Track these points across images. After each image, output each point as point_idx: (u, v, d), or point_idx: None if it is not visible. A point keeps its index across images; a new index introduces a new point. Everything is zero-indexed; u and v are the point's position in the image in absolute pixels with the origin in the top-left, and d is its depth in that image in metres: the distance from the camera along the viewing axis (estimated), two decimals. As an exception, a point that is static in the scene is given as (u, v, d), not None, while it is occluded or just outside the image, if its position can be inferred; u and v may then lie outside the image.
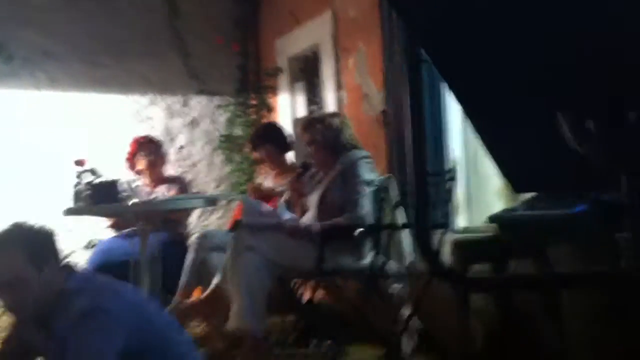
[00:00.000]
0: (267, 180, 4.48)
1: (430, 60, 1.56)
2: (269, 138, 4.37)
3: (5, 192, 4.74)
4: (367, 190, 3.50)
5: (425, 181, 1.85)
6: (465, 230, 3.66)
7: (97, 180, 3.80)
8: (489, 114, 1.59)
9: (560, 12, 1.30)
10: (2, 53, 4.90)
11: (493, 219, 2.80)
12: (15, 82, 4.96)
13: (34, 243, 2.17)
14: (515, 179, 1.78)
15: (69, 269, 2.28)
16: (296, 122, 5.15)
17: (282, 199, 3.92)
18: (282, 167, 4.37)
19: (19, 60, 4.97)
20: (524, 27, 1.38)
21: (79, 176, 3.92)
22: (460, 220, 3.76)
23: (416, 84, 1.74)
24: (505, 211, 3.02)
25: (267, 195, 4.15)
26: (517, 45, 1.42)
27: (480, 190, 3.76)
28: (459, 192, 3.68)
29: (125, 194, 4.06)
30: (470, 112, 1.67)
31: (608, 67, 1.34)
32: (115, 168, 4.35)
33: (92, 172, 3.90)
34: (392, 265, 3.40)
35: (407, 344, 3.39)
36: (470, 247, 3.01)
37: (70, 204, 3.91)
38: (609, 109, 1.42)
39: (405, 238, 3.47)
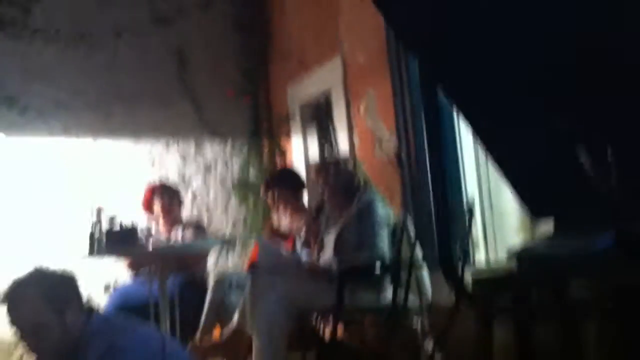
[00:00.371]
0: (282, 222, 4.51)
1: (442, 90, 1.60)
2: (283, 182, 4.43)
3: (22, 240, 4.76)
4: (384, 230, 3.52)
5: (447, 215, 1.88)
6: (485, 267, 3.67)
7: (116, 227, 3.83)
8: (503, 139, 1.63)
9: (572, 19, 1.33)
10: (16, 105, 4.99)
11: (512, 256, 2.81)
12: (31, 131, 5.05)
13: (55, 288, 2.19)
14: (532, 203, 1.80)
15: (90, 310, 2.29)
16: (309, 166, 5.21)
17: (299, 240, 3.94)
18: (296, 210, 4.41)
19: (32, 111, 5.06)
20: (532, 44, 1.42)
21: (97, 222, 3.95)
22: (479, 256, 3.77)
23: (432, 118, 1.78)
24: (524, 247, 3.03)
25: (283, 237, 4.18)
26: (531, 61, 1.45)
27: (497, 226, 3.78)
28: (477, 228, 3.71)
29: (142, 241, 4.10)
30: (485, 138, 1.71)
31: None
32: (131, 214, 4.38)
33: (110, 220, 3.93)
34: (413, 302, 3.40)
35: (430, 381, 3.37)
36: (491, 284, 3.02)
37: (88, 249, 3.93)
38: (629, 137, 1.45)
39: (425, 274, 3.48)
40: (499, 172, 1.71)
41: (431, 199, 1.59)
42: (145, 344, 2.23)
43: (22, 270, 4.29)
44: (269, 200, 4.58)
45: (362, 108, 4.57)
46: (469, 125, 1.75)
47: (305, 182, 4.59)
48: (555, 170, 1.63)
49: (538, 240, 2.83)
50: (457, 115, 3.79)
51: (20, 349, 4.56)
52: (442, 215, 1.66)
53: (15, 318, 2.18)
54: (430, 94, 1.67)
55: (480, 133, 1.73)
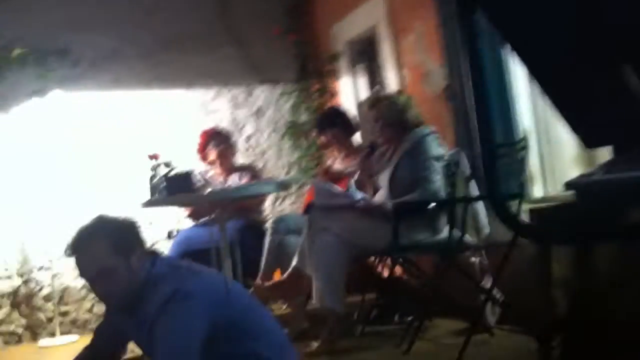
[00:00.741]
0: (335, 163, 4.53)
1: (488, 19, 1.56)
2: (334, 122, 4.43)
3: (82, 192, 4.91)
4: (437, 166, 3.51)
5: (492, 149, 1.84)
6: (542, 199, 3.64)
7: (172, 172, 3.90)
8: (553, 69, 1.59)
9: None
10: (69, 57, 5.06)
11: (569, 185, 2.77)
12: (83, 84, 5.11)
13: (119, 233, 2.24)
14: (585, 133, 1.76)
15: (154, 255, 2.36)
16: (360, 104, 5.18)
17: (353, 180, 3.96)
18: (349, 150, 4.42)
19: (85, 62, 5.13)
20: None
21: (154, 169, 4.03)
22: (536, 190, 3.73)
23: (474, 52, 1.73)
24: (581, 177, 2.98)
25: (338, 178, 4.21)
26: None
27: (554, 158, 3.72)
28: (533, 161, 3.66)
29: (199, 184, 4.18)
30: (534, 68, 1.67)
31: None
32: (187, 161, 4.46)
33: (167, 164, 4.01)
34: (469, 238, 3.41)
35: (490, 316, 3.40)
36: (548, 215, 3.00)
37: (147, 197, 4.04)
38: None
39: (481, 211, 3.47)
40: (547, 100, 1.68)
41: (473, 132, 1.56)
42: (209, 288, 2.28)
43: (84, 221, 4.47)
44: (322, 141, 4.60)
45: (409, 42, 4.49)
46: (513, 51, 1.71)
47: (357, 120, 4.57)
48: (607, 95, 1.59)
49: (596, 169, 2.79)
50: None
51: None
52: (487, 149, 1.64)
53: (83, 266, 2.23)
54: (467, 19, 1.62)
55: (526, 60, 1.69)
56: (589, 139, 1.81)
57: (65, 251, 2.27)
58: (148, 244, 2.34)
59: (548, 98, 1.67)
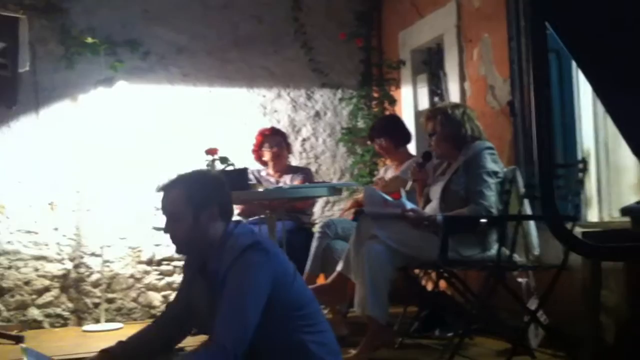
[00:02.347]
0: (388, 172, 4.51)
1: (557, 33, 1.52)
2: (387, 131, 4.42)
3: (140, 183, 5.02)
4: (492, 182, 3.45)
5: (551, 168, 1.79)
6: (596, 224, 3.54)
7: (228, 168, 3.95)
8: (617, 84, 1.55)
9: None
10: (139, 49, 5.19)
11: (625, 211, 2.69)
12: (151, 77, 5.24)
13: (198, 187, 2.43)
14: None
15: (234, 220, 2.50)
16: (419, 114, 5.14)
17: (405, 190, 3.93)
18: (400, 159, 4.39)
19: (154, 56, 5.25)
20: None
21: (210, 164, 4.10)
22: (592, 214, 3.63)
23: (541, 70, 1.69)
24: (638, 203, 2.89)
25: (390, 187, 4.18)
26: None
27: (613, 183, 3.62)
28: (591, 184, 3.56)
29: (252, 182, 4.22)
30: (598, 84, 1.63)
31: None
32: (243, 159, 4.51)
33: (223, 160, 4.07)
34: (519, 258, 3.34)
35: (533, 338, 3.32)
36: (601, 240, 2.91)
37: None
38: None
39: (533, 230, 3.39)
40: (612, 118, 1.63)
41: (533, 149, 1.52)
42: (280, 256, 2.43)
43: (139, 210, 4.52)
44: (376, 148, 4.59)
45: (475, 54, 4.44)
46: (581, 68, 1.67)
47: (411, 131, 4.54)
48: None
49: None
50: (575, 64, 3.64)
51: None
52: (546, 168, 1.60)
53: (162, 205, 2.48)
54: (538, 34, 1.58)
55: (591, 75, 1.65)
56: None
57: (157, 188, 2.60)
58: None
59: (611, 116, 1.63)
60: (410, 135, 4.49)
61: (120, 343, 2.54)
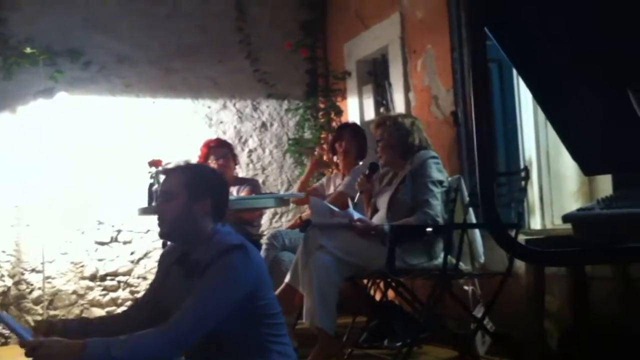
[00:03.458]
0: (336, 180, 4.51)
1: (495, 40, 1.55)
2: (358, 137, 4.42)
3: (81, 195, 4.91)
4: (437, 191, 3.48)
5: (491, 176, 1.81)
6: (539, 231, 3.61)
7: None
8: (556, 92, 1.58)
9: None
10: (80, 59, 5.08)
11: (567, 218, 2.74)
12: (93, 88, 5.13)
13: (199, 179, 2.46)
14: (584, 160, 1.74)
15: (223, 221, 2.50)
16: (365, 125, 5.17)
17: (352, 200, 3.94)
18: (350, 169, 4.40)
19: (95, 66, 5.14)
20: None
21: (153, 177, 4.03)
22: (535, 222, 3.70)
23: (481, 77, 1.70)
24: (580, 210, 2.96)
25: (336, 204, 4.18)
26: (586, 15, 1.40)
27: (554, 191, 3.70)
28: (533, 192, 3.63)
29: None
30: (538, 91, 1.66)
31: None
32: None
33: (167, 172, 4.00)
34: (465, 266, 3.38)
35: (480, 346, 3.36)
36: (543, 247, 2.96)
37: (145, 204, 4.02)
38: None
39: (478, 238, 3.44)
40: (552, 125, 1.66)
41: (475, 158, 1.54)
42: (261, 264, 2.44)
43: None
44: (337, 150, 4.51)
45: (419, 65, 4.49)
46: (521, 76, 1.70)
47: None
48: (612, 124, 1.57)
49: (594, 204, 2.76)
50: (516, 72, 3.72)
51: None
52: (486, 176, 1.60)
53: (161, 185, 2.56)
54: (477, 40, 1.59)
55: (533, 85, 1.68)
56: (587, 165, 1.78)
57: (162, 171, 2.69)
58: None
59: (550, 122, 1.66)
60: (366, 147, 4.51)
61: (82, 320, 2.51)
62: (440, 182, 3.50)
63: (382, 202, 3.65)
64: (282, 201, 4.31)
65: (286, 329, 2.52)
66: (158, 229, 2.48)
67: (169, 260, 2.55)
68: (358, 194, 3.85)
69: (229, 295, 2.27)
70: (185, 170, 2.49)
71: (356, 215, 3.61)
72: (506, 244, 1.78)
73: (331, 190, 4.52)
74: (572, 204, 3.47)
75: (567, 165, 3.59)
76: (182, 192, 2.40)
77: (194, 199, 2.40)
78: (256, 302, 2.34)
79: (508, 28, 1.51)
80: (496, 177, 3.53)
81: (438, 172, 3.52)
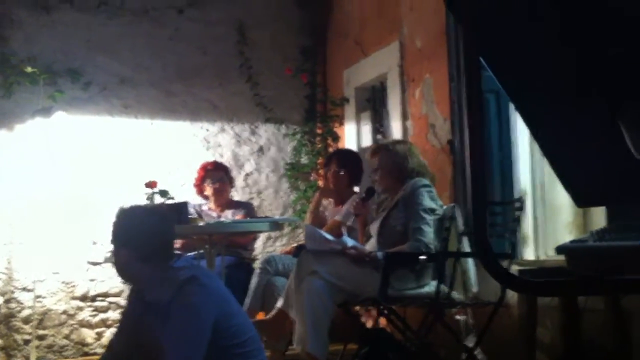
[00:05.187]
0: (327, 210, 4.50)
1: (490, 70, 1.55)
2: (350, 163, 4.40)
3: (75, 215, 4.90)
4: (429, 218, 3.47)
5: (484, 205, 1.81)
6: (533, 262, 3.60)
7: (168, 202, 3.90)
8: (550, 123, 1.58)
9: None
10: (80, 79, 5.09)
11: (561, 249, 2.74)
12: (92, 108, 5.14)
13: (117, 230, 2.51)
14: (577, 191, 1.74)
15: (177, 254, 2.58)
16: (362, 151, 5.18)
17: (345, 226, 3.93)
18: (343, 198, 4.38)
19: (96, 86, 5.15)
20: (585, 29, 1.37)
21: (149, 198, 4.03)
22: (528, 253, 3.69)
23: (476, 108, 1.71)
24: (574, 242, 2.95)
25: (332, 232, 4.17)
26: (579, 47, 1.40)
27: (548, 222, 3.70)
28: (527, 223, 3.63)
29: (192, 216, 4.16)
30: (531, 122, 1.66)
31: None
32: (184, 193, 4.45)
33: (162, 193, 4.01)
34: (457, 295, 3.36)
35: (471, 376, 3.33)
36: (537, 276, 2.96)
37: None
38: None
39: (471, 268, 3.43)
40: (545, 156, 1.66)
41: (469, 187, 1.53)
42: (219, 290, 2.47)
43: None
44: (328, 178, 4.50)
45: (417, 93, 4.51)
46: (515, 106, 1.70)
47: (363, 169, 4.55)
48: (606, 155, 1.56)
49: (588, 235, 2.75)
50: (511, 103, 3.74)
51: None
52: (479, 204, 1.60)
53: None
54: (472, 70, 1.60)
55: (527, 116, 1.69)
56: (580, 197, 1.78)
57: None
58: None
59: (543, 152, 1.66)
60: (362, 174, 4.49)
61: None
62: (433, 210, 3.50)
63: (374, 228, 3.65)
64: (276, 225, 4.30)
65: (262, 354, 2.53)
66: (108, 283, 2.58)
67: (132, 300, 2.61)
68: (353, 218, 3.84)
69: (197, 331, 2.30)
70: (114, 223, 2.54)
71: (350, 243, 3.61)
72: (496, 273, 1.77)
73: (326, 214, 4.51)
74: (566, 236, 3.47)
75: (562, 197, 3.59)
76: (114, 248, 2.50)
77: (118, 251, 2.49)
78: (222, 333, 2.34)
79: (502, 58, 1.52)
80: (488, 206, 3.53)
81: (430, 200, 3.52)
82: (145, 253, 2.44)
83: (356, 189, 4.59)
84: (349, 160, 4.44)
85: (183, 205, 3.92)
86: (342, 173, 4.36)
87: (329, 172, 4.42)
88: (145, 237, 2.48)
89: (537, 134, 1.68)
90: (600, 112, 1.46)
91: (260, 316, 3.89)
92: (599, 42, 1.36)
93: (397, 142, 3.87)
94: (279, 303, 3.58)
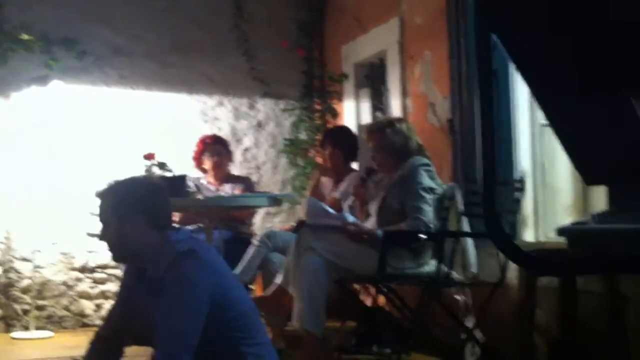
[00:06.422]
0: (325, 188, 4.50)
1: (503, 46, 1.54)
2: (342, 142, 4.40)
3: (73, 185, 4.87)
4: (429, 197, 3.47)
5: (494, 186, 1.81)
6: (533, 244, 3.62)
7: (166, 174, 3.88)
8: (560, 101, 1.58)
9: None
10: (75, 48, 5.03)
11: (562, 231, 2.75)
12: (87, 78, 5.09)
13: (121, 197, 2.42)
14: (586, 170, 1.74)
15: (174, 227, 2.50)
16: (361, 128, 5.17)
17: (346, 204, 3.94)
18: (341, 175, 4.38)
19: (91, 56, 5.10)
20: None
21: (148, 170, 4.01)
22: (527, 234, 3.71)
23: (487, 85, 1.70)
24: (575, 224, 2.97)
25: (331, 201, 4.17)
26: (590, 21, 1.40)
27: (549, 203, 3.71)
28: (527, 204, 3.64)
29: (191, 190, 4.15)
30: (542, 98, 1.66)
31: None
32: (182, 166, 4.43)
33: (161, 166, 3.99)
34: (456, 275, 3.38)
35: (469, 356, 3.37)
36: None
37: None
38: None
39: (470, 248, 3.44)
40: (555, 133, 1.66)
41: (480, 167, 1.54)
42: (216, 264, 2.42)
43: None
44: (324, 157, 4.53)
45: (417, 71, 4.49)
46: (529, 85, 1.69)
47: (358, 145, 4.55)
48: (617, 132, 1.57)
49: (589, 218, 2.77)
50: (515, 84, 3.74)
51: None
52: (489, 185, 1.61)
53: (98, 211, 2.48)
54: (483, 48, 1.59)
55: (540, 96, 1.68)
56: (589, 175, 1.79)
57: (95, 194, 2.73)
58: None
59: (554, 129, 1.66)
60: (358, 150, 4.49)
61: None
62: (432, 189, 3.50)
63: (373, 207, 3.65)
64: (275, 201, 4.30)
65: (262, 327, 2.51)
66: (113, 257, 2.50)
67: (130, 276, 2.55)
68: (351, 198, 3.85)
69: (193, 304, 2.27)
70: (109, 193, 2.46)
71: (350, 219, 3.61)
72: (511, 253, 1.78)
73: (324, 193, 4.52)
74: (566, 218, 3.49)
75: (562, 178, 3.61)
76: (110, 218, 2.40)
77: (123, 220, 2.38)
78: (218, 307, 2.31)
79: (515, 34, 1.51)
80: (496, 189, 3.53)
81: (429, 179, 3.51)
82: (156, 218, 2.41)
83: (354, 165, 4.59)
84: (343, 139, 4.44)
85: (181, 178, 3.91)
86: (336, 152, 4.36)
87: (325, 153, 4.43)
88: (155, 201, 2.45)
89: (549, 113, 1.67)
90: (615, 88, 1.46)
91: (259, 289, 3.91)
92: (618, 21, 1.36)
93: (397, 120, 3.85)
94: (278, 279, 3.59)
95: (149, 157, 4.06)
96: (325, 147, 4.44)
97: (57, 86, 4.77)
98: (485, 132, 1.61)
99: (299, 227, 3.61)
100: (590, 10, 1.40)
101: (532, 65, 1.58)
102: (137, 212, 2.38)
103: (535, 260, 1.88)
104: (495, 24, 1.48)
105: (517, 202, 3.26)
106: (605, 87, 1.50)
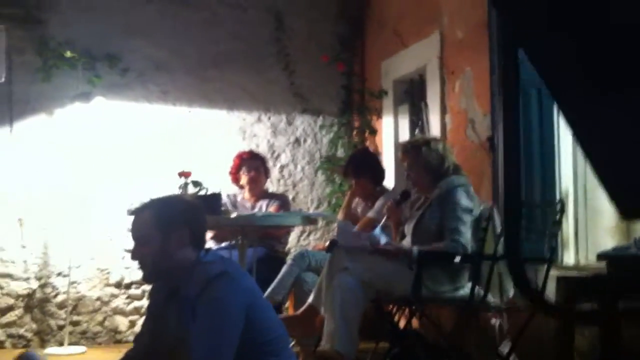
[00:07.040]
0: (359, 207, 4.45)
1: (531, 63, 1.47)
2: (365, 171, 4.36)
3: (111, 202, 4.91)
4: (467, 218, 3.39)
5: (516, 209, 1.73)
6: (572, 267, 3.49)
7: (201, 192, 3.88)
8: (595, 124, 1.50)
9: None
10: (118, 65, 5.08)
11: (603, 256, 2.65)
12: (129, 94, 5.14)
13: (167, 211, 2.40)
14: (622, 202, 1.65)
15: (205, 248, 2.45)
16: (399, 145, 5.09)
17: (379, 225, 3.87)
18: (375, 196, 4.32)
19: (133, 72, 5.14)
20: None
21: (182, 187, 4.02)
22: (568, 256, 3.59)
23: (511, 102, 1.63)
24: (616, 249, 2.86)
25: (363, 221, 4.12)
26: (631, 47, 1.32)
27: (590, 226, 3.58)
28: (568, 226, 3.52)
29: (225, 207, 4.14)
30: (574, 121, 1.58)
31: None
32: (219, 182, 4.42)
33: (195, 184, 3.99)
34: (492, 299, 3.28)
35: (504, 381, 3.26)
36: (577, 284, 2.86)
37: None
38: None
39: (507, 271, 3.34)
40: (589, 164, 1.57)
41: (501, 187, 1.47)
42: (250, 285, 2.39)
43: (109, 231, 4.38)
44: (353, 185, 4.50)
45: (457, 86, 4.41)
46: (557, 103, 1.62)
47: (391, 162, 4.49)
48: None
49: (631, 243, 2.65)
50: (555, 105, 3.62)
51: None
52: (511, 207, 1.54)
53: (131, 229, 2.43)
54: (510, 62, 1.53)
55: (568, 114, 1.60)
56: (627, 209, 1.70)
57: (128, 212, 2.66)
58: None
59: (587, 156, 1.58)
60: (382, 172, 4.44)
61: None
62: (470, 210, 3.42)
63: (408, 228, 3.58)
64: (309, 220, 4.26)
65: (288, 345, 2.48)
66: (142, 273, 2.43)
67: (160, 296, 2.50)
68: (384, 219, 3.78)
69: (227, 326, 2.24)
70: (152, 207, 2.42)
71: (383, 240, 3.54)
72: (515, 277, 1.70)
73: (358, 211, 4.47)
74: (608, 240, 3.36)
75: (604, 200, 3.47)
76: (154, 232, 2.34)
77: (167, 234, 2.33)
78: (251, 329, 2.28)
79: (544, 50, 1.44)
80: (526, 208, 3.43)
81: (467, 200, 3.44)
82: (198, 234, 2.40)
83: (386, 184, 4.53)
84: (364, 169, 4.39)
85: (215, 196, 3.90)
86: (362, 181, 4.35)
87: (352, 182, 4.40)
88: (198, 217, 2.44)
89: (579, 135, 1.59)
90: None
91: (290, 311, 3.87)
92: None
93: (433, 139, 3.78)
94: (310, 299, 3.55)
95: (184, 174, 4.07)
96: (348, 178, 4.42)
97: (99, 103, 4.82)
98: (507, 151, 1.54)
99: (331, 246, 3.57)
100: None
101: (563, 84, 1.50)
102: (183, 225, 2.36)
103: (533, 292, 1.81)
104: (522, 38, 1.41)
105: (558, 224, 3.15)
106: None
